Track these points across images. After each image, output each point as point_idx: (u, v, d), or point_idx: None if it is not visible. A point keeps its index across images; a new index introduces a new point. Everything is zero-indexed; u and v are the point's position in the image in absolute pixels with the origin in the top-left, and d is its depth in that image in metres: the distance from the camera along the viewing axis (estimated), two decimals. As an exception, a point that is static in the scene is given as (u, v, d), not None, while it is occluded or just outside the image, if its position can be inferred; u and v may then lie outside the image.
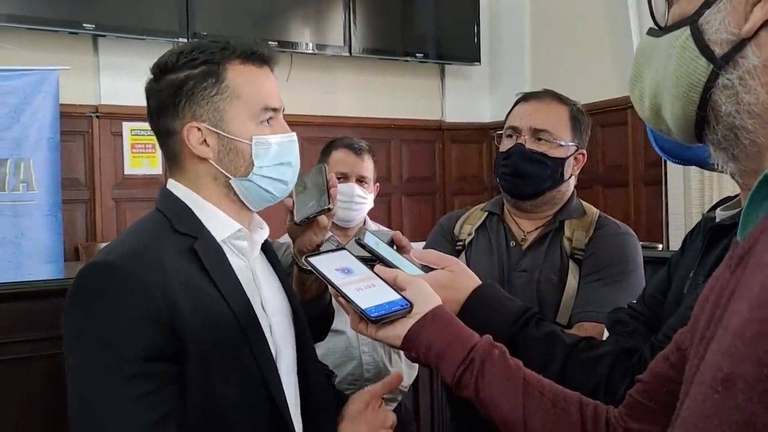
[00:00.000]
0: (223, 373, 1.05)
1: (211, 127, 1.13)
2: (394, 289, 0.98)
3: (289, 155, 1.20)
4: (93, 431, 0.98)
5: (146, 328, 0.99)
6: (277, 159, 1.17)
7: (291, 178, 1.22)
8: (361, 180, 2.21)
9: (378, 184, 2.33)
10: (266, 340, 1.12)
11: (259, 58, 1.17)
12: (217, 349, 1.04)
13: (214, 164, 1.15)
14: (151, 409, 0.97)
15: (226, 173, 1.15)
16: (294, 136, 1.23)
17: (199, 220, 1.14)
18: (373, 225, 2.34)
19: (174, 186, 1.18)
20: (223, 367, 1.05)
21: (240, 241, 1.18)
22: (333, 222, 2.19)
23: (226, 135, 1.14)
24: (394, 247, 1.24)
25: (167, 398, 0.99)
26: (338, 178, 2.17)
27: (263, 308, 1.18)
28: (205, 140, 1.14)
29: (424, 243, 1.85)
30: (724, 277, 0.67)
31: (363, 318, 0.95)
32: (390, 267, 1.14)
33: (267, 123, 1.17)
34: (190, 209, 1.14)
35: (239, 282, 1.12)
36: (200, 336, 1.02)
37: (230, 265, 1.13)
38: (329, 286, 1.00)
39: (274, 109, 1.18)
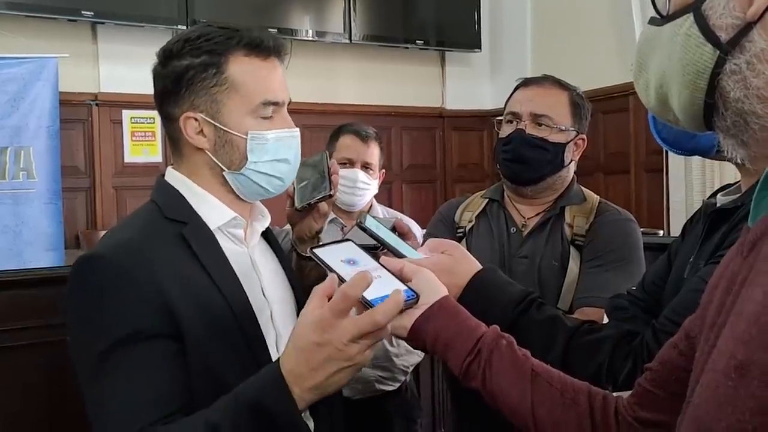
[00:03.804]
0: (219, 357, 1.05)
1: (208, 119, 1.13)
2: (400, 280, 0.98)
3: (287, 152, 1.18)
4: (96, 421, 0.97)
5: (136, 311, 0.99)
6: (273, 155, 1.16)
7: (288, 174, 1.21)
8: (366, 166, 2.23)
9: (384, 170, 2.34)
10: (259, 325, 1.12)
11: (264, 49, 1.14)
12: (211, 335, 1.04)
13: (210, 155, 1.15)
14: (150, 387, 0.97)
15: (221, 165, 1.15)
16: (296, 131, 1.20)
17: (191, 207, 1.14)
18: (380, 209, 2.35)
19: (170, 174, 1.19)
20: (219, 353, 1.05)
21: (236, 229, 1.18)
22: (337, 205, 2.21)
23: (222, 127, 1.13)
24: (396, 233, 1.24)
25: (167, 375, 0.99)
26: (344, 164, 2.19)
27: (264, 295, 1.18)
28: (202, 130, 1.14)
29: (424, 230, 1.85)
30: (735, 262, 0.66)
31: (368, 309, 0.94)
32: (390, 250, 1.14)
33: (266, 118, 1.15)
34: (182, 196, 1.15)
35: (232, 268, 1.12)
36: (193, 322, 1.02)
37: (222, 251, 1.13)
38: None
39: (275, 103, 1.16)
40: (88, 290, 1.02)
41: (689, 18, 0.73)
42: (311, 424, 0.98)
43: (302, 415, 0.90)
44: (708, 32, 0.71)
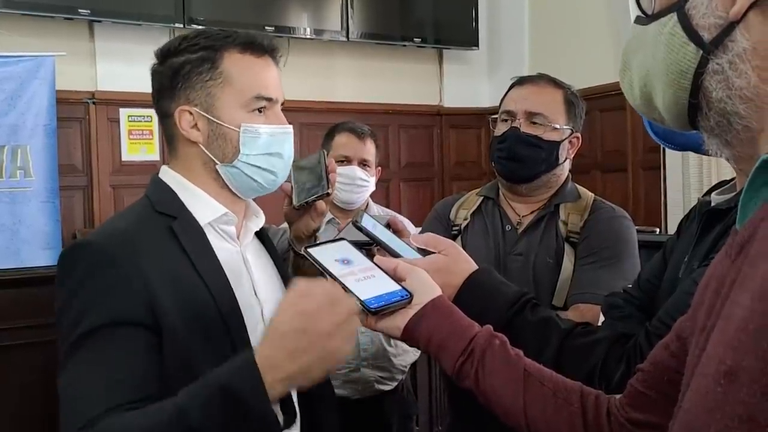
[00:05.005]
0: (199, 352, 1.04)
1: (201, 112, 1.15)
2: (394, 280, 0.98)
3: (280, 147, 1.20)
4: (64, 399, 0.97)
5: (118, 299, 1.00)
6: (266, 149, 1.17)
7: (281, 169, 1.22)
8: (363, 163, 2.24)
9: (380, 168, 2.34)
10: (242, 317, 1.12)
11: (259, 48, 1.18)
12: (192, 329, 1.04)
13: (203, 149, 1.16)
14: (121, 371, 0.96)
15: (214, 158, 1.16)
16: (289, 129, 1.22)
17: (182, 202, 1.15)
18: (376, 208, 2.36)
19: (164, 172, 1.20)
20: (199, 347, 1.04)
21: (227, 226, 1.18)
22: (335, 204, 2.22)
23: (215, 120, 1.15)
24: (391, 230, 1.24)
25: (141, 363, 0.98)
26: (341, 161, 2.19)
27: (255, 293, 1.18)
28: (196, 124, 1.16)
29: (419, 228, 1.85)
30: (724, 265, 0.66)
31: (363, 309, 0.94)
32: (386, 249, 1.14)
33: (259, 112, 1.17)
34: (173, 192, 1.16)
35: (218, 263, 1.12)
36: (175, 316, 1.02)
37: (210, 246, 1.13)
38: (328, 278, 0.99)
39: (268, 99, 1.18)
40: (74, 276, 1.03)
41: (673, 17, 0.73)
42: (281, 419, 0.97)
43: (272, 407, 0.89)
44: (691, 32, 0.71)
